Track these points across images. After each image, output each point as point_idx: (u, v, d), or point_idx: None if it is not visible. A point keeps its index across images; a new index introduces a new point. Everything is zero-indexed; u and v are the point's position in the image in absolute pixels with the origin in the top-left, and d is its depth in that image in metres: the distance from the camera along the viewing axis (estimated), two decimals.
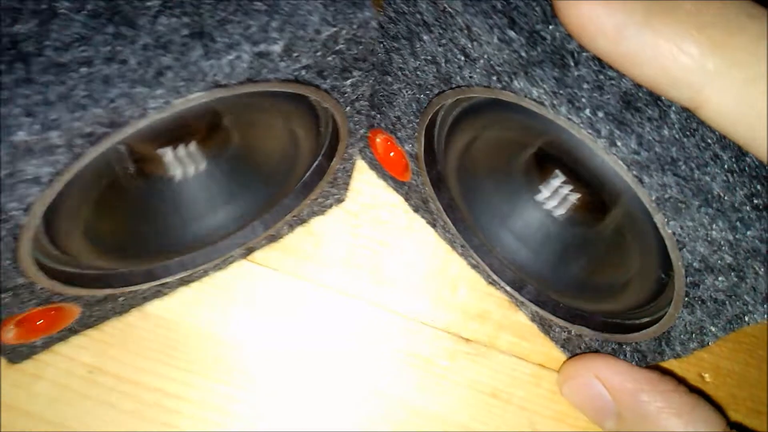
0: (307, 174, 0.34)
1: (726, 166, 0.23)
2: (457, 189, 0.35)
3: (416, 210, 0.41)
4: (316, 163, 0.33)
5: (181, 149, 0.30)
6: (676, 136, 0.23)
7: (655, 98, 0.24)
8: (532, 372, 0.40)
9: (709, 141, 0.23)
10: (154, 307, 0.37)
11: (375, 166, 0.41)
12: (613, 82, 0.24)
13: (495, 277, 0.37)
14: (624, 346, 0.33)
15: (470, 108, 0.29)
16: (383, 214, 0.41)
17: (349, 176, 0.37)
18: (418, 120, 0.32)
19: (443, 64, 0.28)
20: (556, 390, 0.38)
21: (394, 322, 0.40)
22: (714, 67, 0.21)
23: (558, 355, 0.39)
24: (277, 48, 0.23)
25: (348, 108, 0.29)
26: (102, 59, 0.21)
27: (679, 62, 0.21)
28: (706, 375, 0.41)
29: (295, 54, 0.24)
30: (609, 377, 0.33)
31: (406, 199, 0.41)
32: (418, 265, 0.41)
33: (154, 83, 0.21)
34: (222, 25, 0.22)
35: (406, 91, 0.31)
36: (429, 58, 0.28)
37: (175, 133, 0.25)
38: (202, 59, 0.22)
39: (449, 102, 0.29)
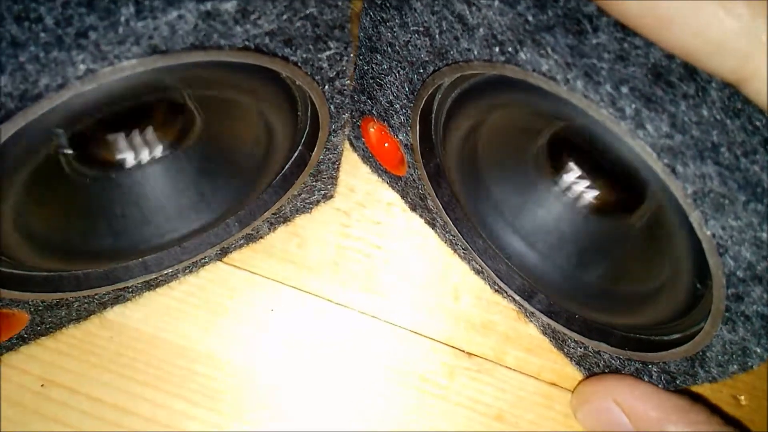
0: (287, 166, 0.32)
1: None
2: (458, 184, 0.33)
3: (414, 208, 0.39)
4: (296, 153, 0.32)
5: (133, 133, 0.28)
6: (718, 116, 0.21)
7: (691, 71, 0.22)
8: (543, 392, 0.38)
9: (757, 123, 0.21)
10: (116, 314, 0.36)
11: (368, 159, 0.39)
12: (639, 51, 0.22)
13: (501, 284, 0.36)
14: (649, 366, 0.31)
15: (471, 89, 0.27)
16: (377, 213, 0.40)
17: (336, 169, 0.35)
18: (412, 105, 0.30)
19: (437, 36, 0.26)
20: (570, 413, 0.37)
21: (387, 334, 0.38)
22: (767, 33, 0.19)
23: (572, 373, 0.38)
24: (229, 6, 0.20)
25: (327, 87, 0.27)
26: (11, 17, 0.19)
27: (724, 25, 0.19)
28: (742, 397, 0.39)
29: (254, 16, 0.21)
30: (631, 402, 0.32)
31: (403, 197, 0.40)
32: (416, 270, 0.39)
33: (74, 47, 0.19)
34: None
35: (398, 71, 0.30)
36: (421, 29, 0.26)
37: (115, 111, 0.22)
38: (135, 18, 0.19)
39: (446, 82, 0.28)
